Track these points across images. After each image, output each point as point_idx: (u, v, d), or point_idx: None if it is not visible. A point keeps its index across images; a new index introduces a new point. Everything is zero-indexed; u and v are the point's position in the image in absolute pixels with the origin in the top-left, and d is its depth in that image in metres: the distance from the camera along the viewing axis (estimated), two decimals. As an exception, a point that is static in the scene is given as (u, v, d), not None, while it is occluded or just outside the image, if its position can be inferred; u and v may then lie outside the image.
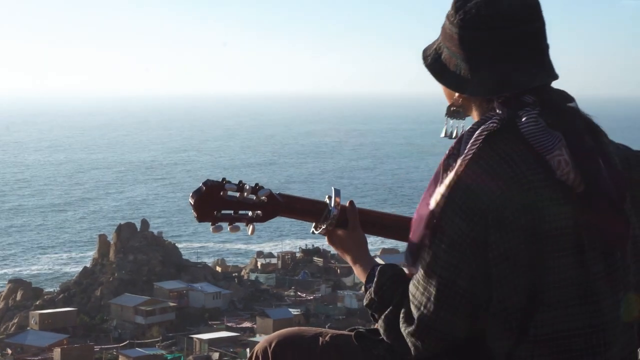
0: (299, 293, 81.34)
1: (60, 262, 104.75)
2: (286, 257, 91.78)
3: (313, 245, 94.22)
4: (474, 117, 2.58)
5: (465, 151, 2.41)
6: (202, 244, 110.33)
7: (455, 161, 2.42)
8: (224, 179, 2.78)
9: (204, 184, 2.77)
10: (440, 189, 2.41)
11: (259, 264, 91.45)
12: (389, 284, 2.61)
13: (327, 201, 2.88)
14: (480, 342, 2.49)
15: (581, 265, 2.41)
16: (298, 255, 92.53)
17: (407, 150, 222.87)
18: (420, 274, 2.47)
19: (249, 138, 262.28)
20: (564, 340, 2.43)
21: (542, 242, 2.38)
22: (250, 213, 2.82)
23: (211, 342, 64.43)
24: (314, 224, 2.89)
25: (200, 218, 2.78)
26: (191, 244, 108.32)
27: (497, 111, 2.45)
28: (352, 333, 2.77)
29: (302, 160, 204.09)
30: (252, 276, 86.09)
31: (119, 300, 74.90)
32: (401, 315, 2.53)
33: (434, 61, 2.57)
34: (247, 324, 71.48)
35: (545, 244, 2.38)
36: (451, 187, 2.39)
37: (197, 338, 65.64)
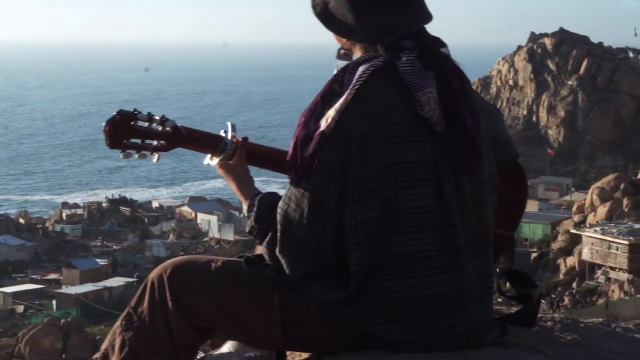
0: (106, 243, 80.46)
1: None
2: (92, 207, 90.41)
3: (120, 195, 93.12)
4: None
5: (353, 82, 2.69)
6: (4, 195, 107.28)
7: (341, 87, 2.72)
8: (135, 109, 2.97)
9: (117, 112, 2.95)
10: (331, 112, 2.67)
11: (64, 215, 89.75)
12: (267, 212, 2.83)
13: (223, 135, 3.11)
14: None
15: (437, 196, 2.72)
16: (104, 205, 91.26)
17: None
18: (292, 191, 2.73)
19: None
20: (425, 259, 2.73)
21: (399, 172, 2.67)
22: (155, 142, 3.02)
23: (15, 294, 63.04)
24: (209, 155, 3.12)
25: (112, 145, 2.96)
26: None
27: (380, 52, 2.74)
28: (242, 259, 2.91)
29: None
30: (57, 227, 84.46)
31: None
32: (278, 236, 2.76)
33: (322, 10, 2.83)
34: (53, 276, 70.21)
35: (403, 174, 2.68)
36: (340, 112, 2.66)
37: (1, 291, 64.06)
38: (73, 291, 61.82)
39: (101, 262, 71.27)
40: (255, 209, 2.87)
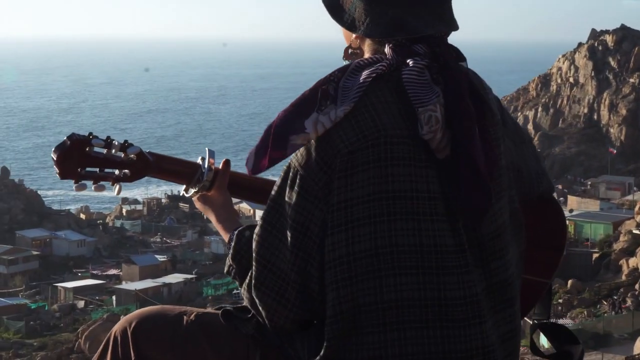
0: (165, 239, 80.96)
1: None
2: (152, 203, 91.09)
3: (179, 192, 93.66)
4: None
5: (355, 89, 2.28)
6: (66, 191, 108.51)
7: (335, 91, 2.30)
8: (90, 133, 2.60)
9: (68, 138, 2.59)
10: (323, 119, 2.27)
11: (124, 211, 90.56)
12: (247, 248, 2.41)
13: (200, 162, 2.75)
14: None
15: (447, 234, 2.27)
16: (164, 201, 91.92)
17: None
18: (271, 215, 2.34)
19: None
20: (430, 308, 2.25)
21: (395, 201, 2.24)
22: (117, 172, 2.66)
23: (76, 290, 63.67)
24: (184, 186, 2.76)
25: (63, 175, 2.59)
26: (54, 191, 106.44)
27: (387, 56, 2.35)
28: (219, 312, 2.55)
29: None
30: (118, 223, 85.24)
31: (-20, 250, 73.20)
32: (254, 273, 2.35)
33: None
34: (113, 271, 70.86)
35: (399, 205, 2.24)
36: (333, 123, 2.26)
37: (62, 286, 64.77)
38: (133, 287, 62.33)
39: (160, 258, 71.77)
40: (233, 244, 2.46)
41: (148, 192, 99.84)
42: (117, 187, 2.67)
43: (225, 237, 2.60)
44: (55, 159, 2.57)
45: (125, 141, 2.65)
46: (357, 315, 2.25)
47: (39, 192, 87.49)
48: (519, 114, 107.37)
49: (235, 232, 2.49)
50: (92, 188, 2.64)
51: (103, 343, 2.61)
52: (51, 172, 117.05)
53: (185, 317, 2.57)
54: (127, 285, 63.82)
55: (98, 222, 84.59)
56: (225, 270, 2.47)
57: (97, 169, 2.63)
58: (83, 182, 2.61)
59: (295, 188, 2.28)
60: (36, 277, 70.33)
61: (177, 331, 2.54)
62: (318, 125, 2.26)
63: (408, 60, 2.32)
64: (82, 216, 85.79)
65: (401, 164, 2.25)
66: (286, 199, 2.30)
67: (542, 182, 2.63)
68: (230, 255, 2.46)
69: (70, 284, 65.29)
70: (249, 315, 2.47)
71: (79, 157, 2.59)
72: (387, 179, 2.24)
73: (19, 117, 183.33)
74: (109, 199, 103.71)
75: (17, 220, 79.75)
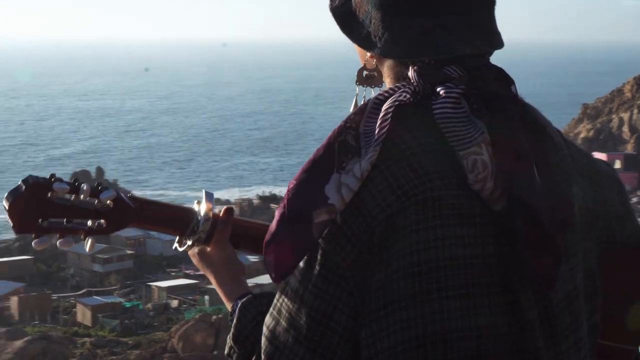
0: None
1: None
2: (243, 204, 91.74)
3: (270, 192, 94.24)
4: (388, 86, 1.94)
5: (377, 131, 1.79)
6: (160, 191, 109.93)
7: (357, 140, 1.81)
8: (52, 175, 2.09)
9: (23, 181, 2.07)
10: (348, 180, 1.79)
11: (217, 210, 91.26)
12: (252, 327, 1.96)
13: (196, 208, 2.24)
14: None
15: (509, 311, 1.80)
16: (255, 202, 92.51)
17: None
18: (283, 301, 1.84)
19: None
20: None
21: (444, 273, 1.77)
22: (89, 222, 2.14)
23: (170, 289, 64.45)
24: (177, 237, 2.24)
25: (19, 228, 2.08)
26: (148, 190, 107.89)
27: (412, 82, 1.85)
28: None
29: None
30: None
31: (75, 248, 73.52)
32: None
33: (342, 4, 1.94)
34: (205, 271, 71.44)
35: (450, 277, 1.77)
36: (362, 181, 1.78)
37: (156, 286, 65.62)
38: (225, 287, 62.76)
39: (252, 259, 72.18)
40: (235, 321, 2.00)
41: (240, 194, 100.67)
42: (89, 241, 2.15)
43: (227, 304, 2.11)
44: (7, 207, 2.06)
45: (98, 184, 2.16)
46: None
47: (133, 192, 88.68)
48: (614, 116, 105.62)
49: (239, 306, 2.02)
50: (58, 244, 2.13)
51: None
52: (144, 172, 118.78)
53: None
54: (219, 285, 64.27)
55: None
56: (225, 353, 2.01)
57: (64, 220, 2.12)
58: (45, 237, 2.11)
59: (316, 267, 1.79)
60: (130, 276, 71.30)
61: None
62: (343, 189, 1.77)
63: (438, 89, 1.82)
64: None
65: (451, 223, 1.77)
66: (303, 280, 1.81)
67: (626, 226, 2.08)
68: (231, 335, 1.99)
69: (163, 283, 66.09)
70: None
71: (38, 205, 2.08)
72: (437, 244, 1.76)
73: (117, 118, 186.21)
74: (202, 199, 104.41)
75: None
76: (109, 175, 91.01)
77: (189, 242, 2.22)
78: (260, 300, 2.00)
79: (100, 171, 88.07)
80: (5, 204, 2.07)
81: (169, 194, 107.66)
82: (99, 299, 63.81)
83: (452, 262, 1.76)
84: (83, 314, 62.07)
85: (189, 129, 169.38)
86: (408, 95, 1.82)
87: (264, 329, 1.86)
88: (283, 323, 1.82)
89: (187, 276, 69.76)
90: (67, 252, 73.99)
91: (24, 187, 2.07)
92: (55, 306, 64.95)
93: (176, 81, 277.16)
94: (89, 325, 60.21)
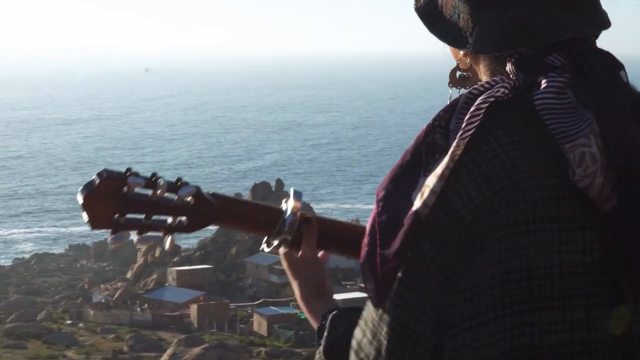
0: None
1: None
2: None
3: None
4: None
5: (463, 126, 1.64)
6: (338, 204, 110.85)
7: (446, 139, 1.67)
8: (128, 169, 1.98)
9: (98, 175, 1.97)
10: (430, 181, 1.64)
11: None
12: (343, 341, 1.85)
13: (284, 207, 2.13)
14: None
15: (590, 327, 1.65)
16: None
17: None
18: (369, 313, 1.71)
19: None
20: None
21: (538, 283, 1.63)
22: (169, 219, 2.03)
23: (344, 302, 64.20)
24: (265, 237, 2.12)
25: (95, 223, 1.96)
26: (327, 203, 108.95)
27: (510, 75, 1.71)
28: None
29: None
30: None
31: (254, 258, 75.83)
32: None
33: (427, 3, 1.81)
34: (380, 286, 71.68)
35: (544, 287, 1.63)
36: (445, 180, 1.62)
37: (331, 298, 66.16)
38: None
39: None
40: (326, 334, 1.91)
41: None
42: (169, 239, 2.04)
43: (313, 321, 2.02)
44: (82, 202, 1.96)
45: (178, 179, 2.04)
46: None
47: (312, 204, 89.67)
48: None
49: (329, 319, 1.94)
50: (135, 242, 2.04)
51: None
52: (323, 185, 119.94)
53: None
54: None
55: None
56: None
57: (143, 216, 2.01)
58: (120, 234, 2.00)
59: (399, 275, 1.64)
60: (306, 287, 72.13)
61: None
62: (426, 193, 1.62)
63: (540, 79, 1.67)
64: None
65: (546, 228, 1.61)
66: (390, 282, 1.67)
67: None
68: (322, 349, 1.91)
69: (338, 296, 66.27)
70: None
71: (114, 200, 1.97)
72: (529, 251, 1.61)
73: (303, 132, 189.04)
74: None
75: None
76: (287, 188, 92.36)
77: (275, 243, 2.10)
78: (352, 313, 1.90)
79: (280, 183, 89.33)
80: (80, 198, 1.96)
81: (348, 207, 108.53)
82: (275, 309, 64.74)
83: (546, 271, 1.62)
84: (259, 324, 63.06)
85: (373, 143, 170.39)
86: (506, 91, 1.67)
87: (353, 341, 1.73)
88: (368, 334, 1.70)
89: (362, 289, 69.84)
90: (245, 262, 75.44)
91: (98, 180, 1.96)
92: (233, 315, 66.28)
93: (362, 95, 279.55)
94: (265, 335, 61.09)
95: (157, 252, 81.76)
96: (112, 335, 62.54)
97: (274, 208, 2.12)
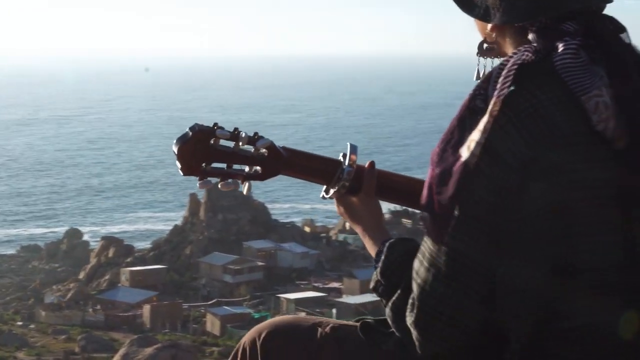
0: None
1: (152, 220, 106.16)
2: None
3: (402, 208, 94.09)
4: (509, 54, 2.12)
5: (499, 86, 1.95)
6: (292, 204, 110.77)
7: (485, 103, 1.97)
8: (215, 124, 2.31)
9: (190, 129, 2.29)
10: (475, 135, 1.92)
11: (347, 225, 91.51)
12: (398, 263, 2.19)
13: (342, 159, 2.43)
14: (500, 338, 2.04)
15: (630, 246, 1.97)
16: (386, 216, 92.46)
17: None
18: (427, 245, 2.02)
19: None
20: (612, 337, 1.99)
21: (574, 214, 1.93)
22: (247, 169, 2.36)
23: (298, 301, 64.73)
24: (324, 187, 2.45)
25: (187, 170, 2.30)
26: (280, 204, 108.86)
27: (533, 43, 2.02)
28: (358, 324, 2.36)
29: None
30: (341, 237, 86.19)
31: (208, 258, 75.58)
32: (409, 302, 2.06)
33: None
34: (334, 285, 71.64)
35: (580, 217, 1.93)
36: (488, 132, 1.92)
37: (284, 297, 66.03)
38: (353, 301, 62.80)
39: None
40: (383, 257, 2.23)
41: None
42: (247, 185, 2.38)
43: (372, 249, 2.36)
44: (176, 152, 2.28)
45: (255, 133, 2.35)
46: (535, 347, 2.01)
47: (266, 204, 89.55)
48: None
49: (387, 245, 2.26)
50: (219, 186, 2.35)
51: (232, 354, 2.48)
52: (277, 185, 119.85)
53: (319, 328, 2.41)
54: (347, 299, 64.37)
55: (322, 235, 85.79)
56: (371, 286, 2.24)
57: (224, 165, 2.35)
58: (208, 179, 2.33)
59: (455, 212, 1.95)
60: (260, 287, 71.93)
61: (309, 344, 2.38)
62: (471, 145, 1.93)
63: (557, 44, 1.98)
64: (307, 229, 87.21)
65: (580, 168, 1.92)
66: (447, 217, 1.98)
67: None
68: (379, 270, 2.23)
69: (292, 295, 66.46)
70: (390, 330, 2.23)
71: (202, 150, 2.30)
72: (566, 188, 1.92)
73: (301, 131, 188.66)
74: (334, 213, 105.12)
75: (244, 231, 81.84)
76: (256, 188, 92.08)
77: (335, 189, 2.41)
78: (407, 242, 2.24)
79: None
80: (175, 149, 2.27)
81: (300, 208, 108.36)
82: (228, 309, 64.53)
83: (581, 203, 1.92)
84: (212, 324, 62.84)
85: (332, 144, 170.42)
86: (530, 54, 1.97)
87: (413, 272, 2.04)
88: (425, 263, 2.01)
89: (315, 289, 70.02)
90: (199, 262, 75.17)
91: (190, 133, 2.28)
92: (186, 315, 65.92)
93: (324, 97, 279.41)
94: (218, 334, 60.87)
95: (111, 253, 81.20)
96: (63, 336, 61.93)
97: (334, 160, 2.44)
